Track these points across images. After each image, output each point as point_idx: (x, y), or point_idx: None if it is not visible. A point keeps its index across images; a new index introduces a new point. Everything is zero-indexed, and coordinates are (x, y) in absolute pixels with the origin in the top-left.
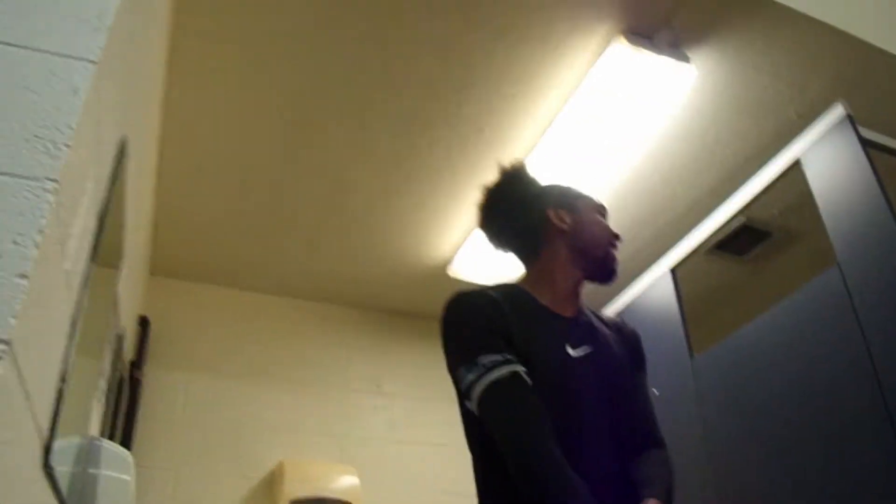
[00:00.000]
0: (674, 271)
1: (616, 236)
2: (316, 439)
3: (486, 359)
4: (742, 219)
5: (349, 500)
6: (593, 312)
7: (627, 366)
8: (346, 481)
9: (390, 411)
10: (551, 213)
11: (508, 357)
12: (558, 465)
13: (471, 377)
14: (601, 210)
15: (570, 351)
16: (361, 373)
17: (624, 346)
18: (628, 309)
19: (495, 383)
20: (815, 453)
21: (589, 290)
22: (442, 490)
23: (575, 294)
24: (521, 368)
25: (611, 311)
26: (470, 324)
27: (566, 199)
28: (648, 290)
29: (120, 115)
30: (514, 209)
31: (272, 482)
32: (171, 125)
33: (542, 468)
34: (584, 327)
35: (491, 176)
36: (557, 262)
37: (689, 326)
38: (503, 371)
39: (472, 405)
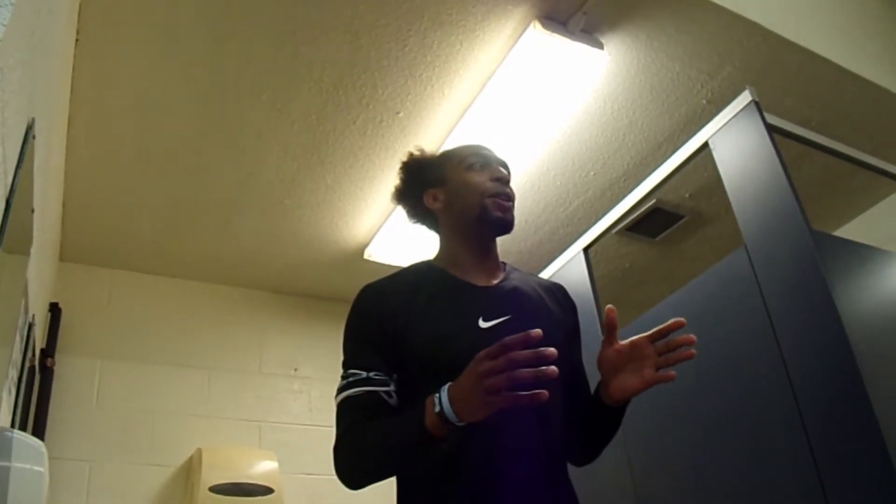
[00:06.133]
0: (586, 251)
1: (495, 179)
2: (233, 425)
3: (353, 372)
4: (654, 201)
5: (269, 485)
6: (526, 275)
7: (556, 331)
8: (265, 466)
9: (308, 395)
10: (426, 198)
11: (372, 375)
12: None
13: (339, 383)
14: (471, 160)
15: (482, 323)
16: (278, 357)
17: (558, 307)
18: None
19: (347, 399)
20: (721, 426)
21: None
22: None
23: (486, 261)
24: (382, 388)
25: None
26: (351, 330)
27: (438, 173)
28: (562, 270)
29: (27, 96)
30: (405, 203)
31: (190, 470)
32: (79, 106)
33: (372, 462)
34: (505, 294)
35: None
36: (451, 237)
37: (602, 307)
38: (359, 390)
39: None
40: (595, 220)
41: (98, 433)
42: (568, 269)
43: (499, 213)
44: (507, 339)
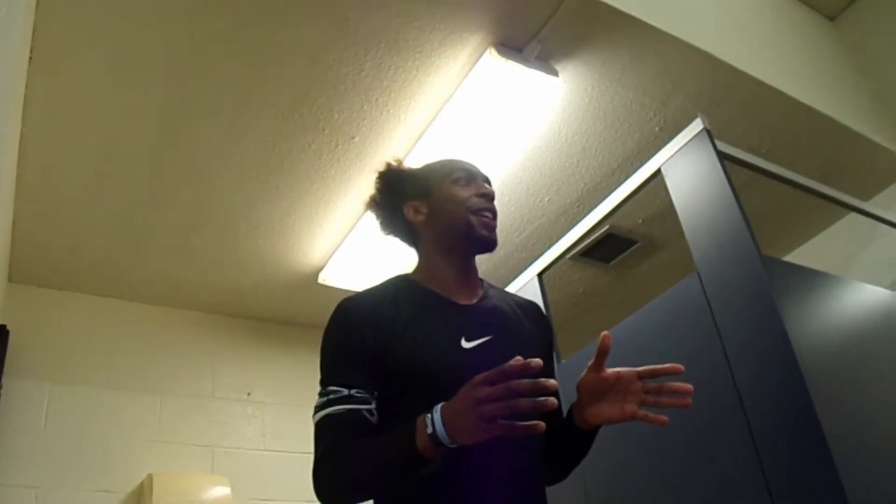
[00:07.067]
0: (540, 276)
1: (481, 195)
2: (185, 450)
3: (333, 389)
4: (607, 227)
5: None
6: (502, 293)
7: (535, 350)
8: (217, 492)
9: (261, 420)
10: (407, 211)
11: (353, 393)
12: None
13: (318, 401)
14: (457, 174)
15: (464, 343)
16: (231, 381)
17: (534, 326)
18: None
19: (328, 416)
20: (675, 451)
21: None
22: (315, 499)
23: (466, 278)
24: (364, 406)
25: None
26: (332, 345)
27: (421, 186)
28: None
29: None
30: (382, 216)
31: (140, 496)
32: (32, 126)
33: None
34: (486, 313)
35: (364, 184)
36: (432, 252)
37: (556, 332)
38: (341, 408)
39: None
40: (549, 246)
41: (46, 459)
42: (522, 294)
43: (484, 232)
44: (507, 366)
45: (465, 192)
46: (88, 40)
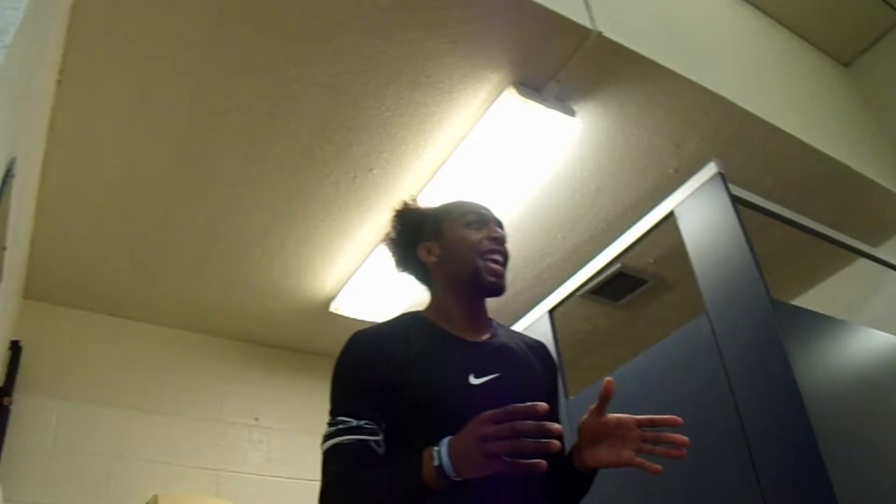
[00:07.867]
0: (551, 313)
1: (492, 238)
2: (192, 473)
3: (342, 419)
4: (618, 266)
5: None
6: (510, 332)
7: (541, 388)
8: None
9: (267, 445)
10: (420, 251)
11: (363, 424)
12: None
13: (327, 430)
14: (469, 217)
15: (473, 379)
16: (239, 406)
17: (542, 365)
18: None
19: (336, 446)
20: (681, 493)
21: None
22: None
23: (476, 317)
24: (372, 438)
25: None
26: (343, 376)
27: (435, 227)
28: (527, 330)
29: (10, 136)
30: (397, 254)
31: None
32: (56, 146)
33: None
34: (494, 351)
35: (380, 216)
36: (443, 292)
37: (565, 369)
38: (349, 438)
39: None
40: (561, 283)
41: (53, 476)
42: (533, 330)
43: (492, 279)
44: (513, 406)
45: (476, 236)
46: (115, 67)
